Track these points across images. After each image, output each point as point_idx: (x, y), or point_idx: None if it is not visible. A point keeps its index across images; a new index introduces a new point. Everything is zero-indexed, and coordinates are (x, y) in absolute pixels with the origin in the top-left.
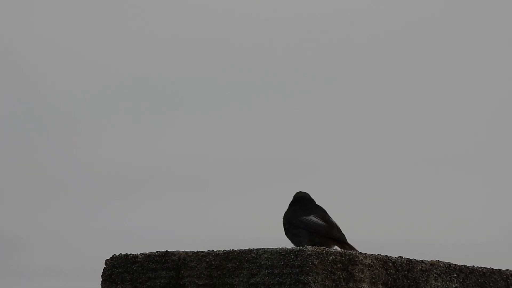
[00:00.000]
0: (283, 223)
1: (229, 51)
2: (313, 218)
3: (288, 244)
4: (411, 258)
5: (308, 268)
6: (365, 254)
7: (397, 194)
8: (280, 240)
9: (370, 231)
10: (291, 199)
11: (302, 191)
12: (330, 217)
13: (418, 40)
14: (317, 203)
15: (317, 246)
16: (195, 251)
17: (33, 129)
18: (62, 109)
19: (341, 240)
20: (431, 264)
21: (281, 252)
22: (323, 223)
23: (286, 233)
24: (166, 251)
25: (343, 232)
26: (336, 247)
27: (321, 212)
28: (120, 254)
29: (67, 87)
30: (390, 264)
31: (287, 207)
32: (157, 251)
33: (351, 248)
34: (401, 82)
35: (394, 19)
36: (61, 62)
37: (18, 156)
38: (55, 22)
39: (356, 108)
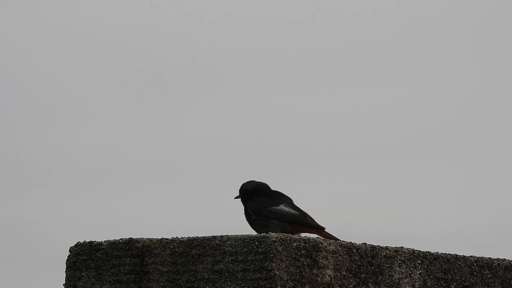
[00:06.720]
0: (248, 214)
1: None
2: (284, 207)
3: (252, 231)
4: (375, 244)
5: (272, 255)
6: (329, 240)
7: (368, 185)
8: (244, 228)
9: (339, 220)
10: (243, 191)
11: (252, 180)
12: (297, 206)
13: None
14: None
15: None
16: (159, 238)
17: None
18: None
19: (318, 227)
20: (395, 251)
21: (245, 239)
22: (296, 212)
23: (252, 224)
24: (130, 238)
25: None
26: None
27: (289, 201)
28: (85, 241)
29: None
30: (354, 250)
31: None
32: (121, 238)
33: (331, 236)
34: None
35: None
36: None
37: None
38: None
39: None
